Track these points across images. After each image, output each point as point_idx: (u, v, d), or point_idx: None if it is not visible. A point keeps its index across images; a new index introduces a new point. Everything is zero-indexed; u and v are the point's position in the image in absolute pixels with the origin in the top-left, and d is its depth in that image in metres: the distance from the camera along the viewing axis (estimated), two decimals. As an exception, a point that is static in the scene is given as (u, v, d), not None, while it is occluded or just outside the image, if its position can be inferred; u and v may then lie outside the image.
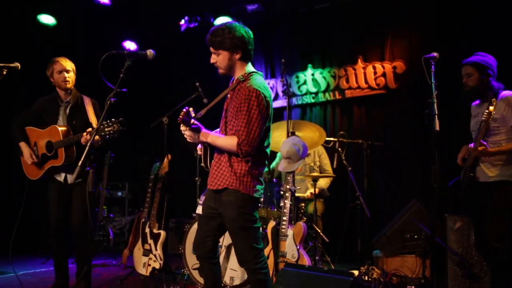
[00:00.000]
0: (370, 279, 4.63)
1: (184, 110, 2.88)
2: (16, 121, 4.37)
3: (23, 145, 4.27)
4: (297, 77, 6.92)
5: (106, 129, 3.29)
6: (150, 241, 4.88)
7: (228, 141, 2.93)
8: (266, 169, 5.48)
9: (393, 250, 4.96)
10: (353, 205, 5.08)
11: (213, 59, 3.06)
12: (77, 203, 4.21)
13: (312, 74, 6.79)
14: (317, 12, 6.79)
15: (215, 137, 2.98)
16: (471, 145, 3.59)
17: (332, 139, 5.34)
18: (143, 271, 4.84)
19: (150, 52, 3.25)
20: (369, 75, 6.32)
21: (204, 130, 3.00)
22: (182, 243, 4.82)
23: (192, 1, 7.01)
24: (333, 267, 4.90)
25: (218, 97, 3.13)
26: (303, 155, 4.26)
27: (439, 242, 4.41)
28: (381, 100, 6.34)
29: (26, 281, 4.89)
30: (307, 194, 5.42)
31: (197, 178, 5.42)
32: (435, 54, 3.33)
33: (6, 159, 6.71)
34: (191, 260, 4.68)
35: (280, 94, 7.06)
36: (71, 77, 4.29)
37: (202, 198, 3.23)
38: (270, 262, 4.01)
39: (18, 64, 3.63)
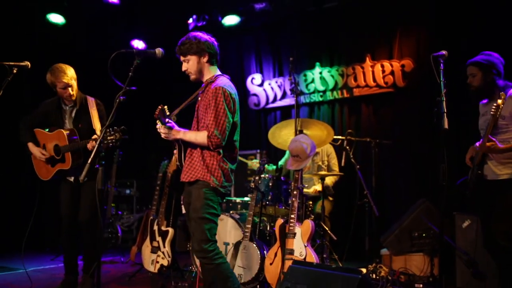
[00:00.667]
0: (378, 277, 4.63)
1: (159, 107, 3.12)
2: (24, 122, 4.41)
3: (30, 145, 4.32)
4: (305, 75, 6.92)
5: (108, 138, 3.35)
6: (158, 239, 4.90)
7: (199, 135, 3.18)
8: (272, 167, 5.52)
9: (401, 249, 4.95)
10: (361, 203, 5.08)
11: (184, 67, 3.36)
12: (85, 201, 4.26)
13: (320, 73, 6.79)
14: (325, 10, 6.78)
15: (187, 133, 3.23)
16: (478, 143, 3.58)
17: (340, 137, 5.34)
18: (151, 268, 4.87)
19: (159, 50, 3.28)
20: (377, 73, 6.31)
21: (176, 128, 3.22)
22: (190, 240, 4.84)
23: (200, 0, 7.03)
24: (341, 265, 4.90)
25: (189, 99, 3.41)
26: (311, 153, 4.26)
27: (448, 240, 4.40)
28: (389, 98, 6.32)
29: (35, 277, 4.93)
30: (312, 190, 5.42)
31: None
32: (444, 52, 3.32)
33: (17, 159, 6.77)
34: (199, 258, 4.70)
35: (288, 92, 7.06)
36: (74, 88, 4.29)
37: (182, 198, 3.38)
38: (278, 259, 4.02)
39: (28, 63, 3.65)
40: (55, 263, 5.99)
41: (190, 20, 7.20)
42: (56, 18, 6.92)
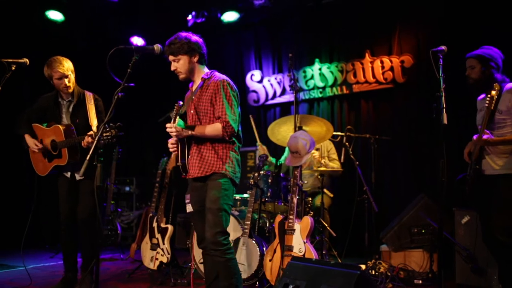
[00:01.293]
0: (377, 273, 4.63)
1: (179, 104, 3.15)
2: (21, 117, 4.40)
3: (27, 137, 4.30)
4: (305, 71, 6.91)
5: (104, 134, 3.34)
6: (158, 235, 4.90)
7: (213, 127, 3.20)
8: (273, 159, 5.52)
9: (401, 244, 4.95)
10: (360, 199, 5.08)
11: (173, 66, 3.36)
12: (83, 197, 4.25)
13: (320, 69, 6.78)
14: (324, 6, 6.77)
15: (200, 127, 3.22)
16: (475, 137, 3.58)
17: (339, 133, 5.34)
18: (150, 265, 4.87)
19: (157, 46, 3.29)
20: (376, 69, 6.30)
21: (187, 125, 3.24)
22: (189, 237, 4.85)
23: (199, -4, 7.02)
24: (340, 261, 4.90)
25: (188, 100, 3.40)
26: (310, 150, 4.26)
27: (447, 236, 4.40)
28: (389, 94, 6.32)
29: (35, 274, 4.94)
30: (316, 154, 5.36)
31: (204, 173, 5.42)
32: (443, 47, 3.32)
33: (16, 156, 6.77)
34: (198, 254, 4.70)
35: (288, 89, 7.05)
36: (70, 80, 4.26)
37: (188, 196, 3.36)
38: (277, 256, 4.02)
39: (27, 60, 3.65)
40: (54, 260, 6.00)
41: (189, 17, 7.18)
42: (55, 15, 6.91)
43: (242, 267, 4.29)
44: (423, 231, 4.86)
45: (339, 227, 5.40)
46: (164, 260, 4.79)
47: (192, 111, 3.36)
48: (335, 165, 5.54)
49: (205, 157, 3.25)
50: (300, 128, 4.85)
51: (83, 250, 4.34)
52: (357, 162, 5.04)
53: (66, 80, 4.21)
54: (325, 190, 5.28)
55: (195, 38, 3.35)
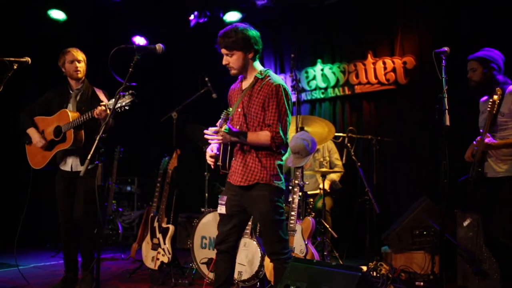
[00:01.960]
0: (378, 275, 4.61)
1: (226, 112, 2.94)
2: (24, 111, 4.42)
3: (31, 131, 4.30)
4: (307, 72, 6.90)
5: (119, 101, 3.41)
6: (159, 235, 4.90)
7: (261, 136, 3.02)
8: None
9: (402, 246, 4.94)
10: (362, 201, 5.07)
11: (226, 60, 3.12)
12: (80, 196, 4.23)
13: (322, 69, 6.76)
14: (327, 7, 6.76)
15: (252, 134, 3.04)
16: (478, 139, 3.57)
17: (341, 134, 5.33)
18: (151, 265, 4.87)
19: (159, 46, 3.27)
20: (379, 70, 6.29)
21: (233, 129, 3.04)
22: (190, 237, 4.84)
23: (202, -4, 7.02)
24: (341, 263, 4.89)
25: (240, 98, 3.15)
26: (312, 150, 4.25)
27: (449, 238, 4.39)
28: (391, 95, 6.30)
29: (36, 273, 4.94)
30: (318, 191, 5.39)
31: (206, 173, 5.42)
32: (446, 48, 3.31)
33: (15, 153, 6.77)
34: (199, 255, 4.70)
35: (289, 89, 7.02)
36: (82, 67, 4.35)
37: (224, 197, 3.21)
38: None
39: (29, 59, 3.65)
40: (55, 259, 5.99)
41: (192, 17, 7.18)
42: (57, 14, 6.92)
43: (242, 267, 4.29)
44: (424, 233, 4.85)
45: (341, 228, 5.39)
46: (165, 260, 4.78)
47: (239, 110, 3.15)
48: (338, 169, 5.52)
49: (248, 164, 3.08)
50: (302, 128, 4.84)
51: (82, 249, 4.35)
52: (359, 163, 5.03)
53: (77, 63, 4.30)
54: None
55: (253, 32, 3.08)
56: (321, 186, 5.21)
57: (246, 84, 3.18)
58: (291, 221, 4.09)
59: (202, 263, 4.59)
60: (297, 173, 4.30)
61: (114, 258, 6.20)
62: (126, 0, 6.85)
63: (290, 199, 4.28)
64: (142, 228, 5.34)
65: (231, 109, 3.08)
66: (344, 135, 5.25)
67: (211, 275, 4.50)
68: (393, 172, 6.16)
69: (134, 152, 7.98)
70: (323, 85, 6.77)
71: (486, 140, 3.46)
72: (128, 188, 7.67)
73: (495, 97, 3.43)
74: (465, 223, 4.40)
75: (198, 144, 5.34)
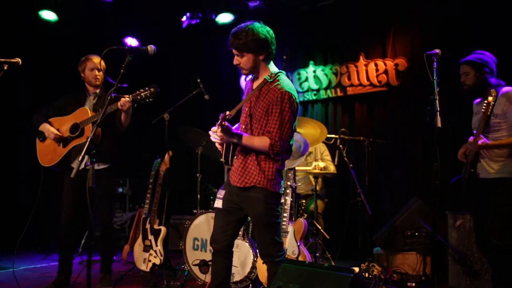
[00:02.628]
0: (370, 276, 4.63)
1: (223, 114, 2.86)
2: (37, 112, 4.45)
3: (45, 126, 4.32)
4: (299, 74, 6.91)
5: (142, 93, 3.59)
6: (151, 237, 4.88)
7: (261, 141, 2.98)
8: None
9: (394, 247, 4.96)
10: (354, 202, 5.08)
11: (237, 60, 3.08)
12: (99, 201, 4.27)
13: (314, 71, 6.78)
14: (319, 9, 6.78)
15: (244, 137, 3.02)
16: (471, 138, 3.59)
17: (333, 136, 5.34)
18: (143, 267, 4.84)
19: (151, 47, 3.28)
20: (371, 72, 6.31)
21: (234, 131, 3.03)
22: (182, 239, 4.82)
23: (194, -3, 7.01)
24: (333, 264, 4.90)
25: (246, 98, 3.15)
26: (304, 152, 4.26)
27: (440, 239, 4.41)
28: (383, 97, 6.32)
29: (26, 276, 4.90)
30: (310, 192, 5.39)
31: (198, 174, 5.40)
32: (437, 50, 3.33)
33: (9, 153, 6.74)
34: (192, 256, 4.68)
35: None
36: (100, 75, 4.43)
37: (222, 192, 3.22)
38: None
39: (19, 60, 3.63)
40: (46, 262, 5.95)
41: (184, 18, 7.17)
42: (48, 15, 6.87)
43: (235, 269, 4.28)
44: (416, 234, 4.87)
45: (333, 229, 5.39)
46: (157, 262, 4.76)
47: (247, 110, 3.14)
48: (331, 166, 5.54)
49: (248, 166, 3.06)
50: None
51: (103, 252, 4.48)
52: (351, 165, 5.05)
53: (97, 71, 4.38)
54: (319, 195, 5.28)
55: (264, 33, 2.99)
56: (321, 165, 5.22)
57: (256, 84, 3.15)
58: (283, 223, 4.09)
59: (194, 265, 4.57)
60: (289, 174, 4.30)
61: (105, 260, 6.16)
62: (118, 1, 6.82)
63: (282, 200, 4.28)
64: (133, 229, 5.32)
65: (228, 112, 2.96)
66: (336, 136, 5.27)
67: (203, 277, 4.50)
68: (385, 174, 6.18)
69: (126, 154, 7.95)
70: (315, 86, 6.78)
71: (480, 142, 3.48)
72: (120, 190, 7.63)
73: (490, 98, 3.45)
74: (457, 224, 4.42)
75: (190, 145, 5.33)
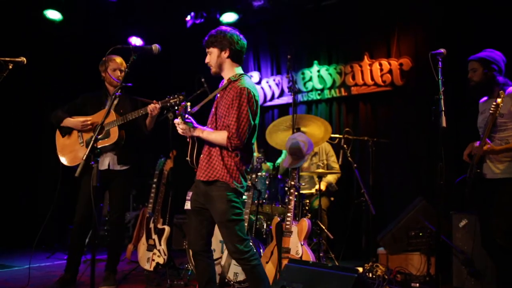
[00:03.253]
0: (374, 276, 4.61)
1: (183, 104, 3.04)
2: (60, 108, 4.45)
3: (69, 120, 4.34)
4: (303, 73, 6.90)
5: (171, 101, 3.64)
6: (154, 236, 4.89)
7: (219, 135, 3.12)
8: (271, 166, 5.51)
9: (398, 248, 4.94)
10: (358, 202, 5.07)
11: (207, 58, 3.28)
12: (117, 193, 4.41)
13: (318, 71, 6.77)
14: (323, 8, 6.77)
15: (206, 131, 3.15)
16: (477, 143, 3.58)
17: (337, 136, 5.33)
18: (147, 266, 4.85)
19: (155, 46, 3.29)
20: (375, 72, 6.29)
21: (196, 125, 3.15)
22: (186, 238, 4.82)
23: (198, -3, 7.01)
24: (337, 264, 4.89)
25: (211, 95, 3.34)
26: (308, 151, 4.25)
27: (445, 239, 4.39)
28: (387, 97, 6.31)
29: (31, 275, 4.90)
30: (313, 190, 5.40)
31: (202, 174, 5.40)
32: (442, 50, 3.32)
33: (11, 153, 6.75)
34: (195, 256, 4.68)
35: (286, 90, 7.04)
36: (122, 76, 4.43)
37: (189, 193, 3.32)
38: (274, 258, 4.00)
39: (24, 59, 3.63)
40: (51, 260, 5.96)
41: (188, 18, 7.17)
42: (53, 15, 6.89)
43: (238, 269, 4.27)
44: (420, 234, 4.85)
45: (337, 229, 5.38)
46: (161, 261, 4.77)
47: (213, 110, 3.30)
48: (334, 172, 5.53)
49: (212, 161, 3.16)
50: (298, 129, 4.84)
51: (111, 250, 4.51)
52: (355, 165, 5.03)
53: (119, 72, 4.42)
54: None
55: (231, 34, 3.23)
56: (317, 187, 5.22)
57: (222, 84, 3.32)
58: (287, 223, 4.09)
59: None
60: (293, 174, 4.30)
61: (109, 259, 6.17)
62: (122, 1, 6.83)
63: (287, 200, 4.28)
64: (137, 229, 5.33)
65: (189, 103, 3.12)
66: (341, 136, 5.25)
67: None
68: (389, 173, 6.16)
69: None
70: (319, 86, 6.77)
71: (485, 148, 3.48)
72: (124, 189, 7.64)
73: (499, 100, 3.43)
74: (461, 224, 4.40)
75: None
